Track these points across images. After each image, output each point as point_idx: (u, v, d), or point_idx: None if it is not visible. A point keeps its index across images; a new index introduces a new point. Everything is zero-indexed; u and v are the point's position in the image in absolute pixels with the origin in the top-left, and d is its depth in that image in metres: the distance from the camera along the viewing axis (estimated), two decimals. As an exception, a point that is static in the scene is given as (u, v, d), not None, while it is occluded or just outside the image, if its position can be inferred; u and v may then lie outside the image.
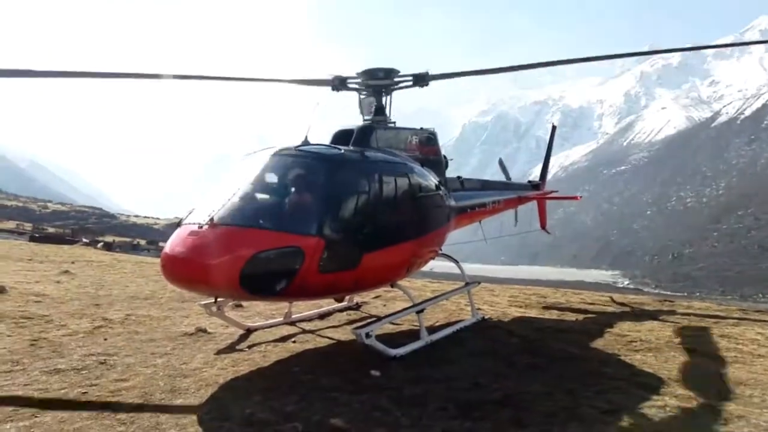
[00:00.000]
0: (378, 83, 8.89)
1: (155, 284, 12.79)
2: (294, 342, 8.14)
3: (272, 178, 6.92)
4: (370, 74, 8.88)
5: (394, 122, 9.22)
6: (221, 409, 5.41)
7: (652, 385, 6.43)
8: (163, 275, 6.32)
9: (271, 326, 8.96)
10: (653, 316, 10.95)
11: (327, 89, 9.09)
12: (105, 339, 7.87)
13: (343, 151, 7.44)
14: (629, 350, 7.99)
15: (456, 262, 9.65)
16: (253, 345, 7.86)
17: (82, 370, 6.44)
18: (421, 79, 8.86)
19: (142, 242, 57.73)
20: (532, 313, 10.90)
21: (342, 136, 8.43)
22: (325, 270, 6.41)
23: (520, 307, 11.67)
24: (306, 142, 7.59)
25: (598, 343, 8.40)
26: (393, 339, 7.96)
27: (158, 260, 7.37)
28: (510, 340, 8.45)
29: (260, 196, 6.73)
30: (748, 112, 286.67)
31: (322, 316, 9.82)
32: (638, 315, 11.06)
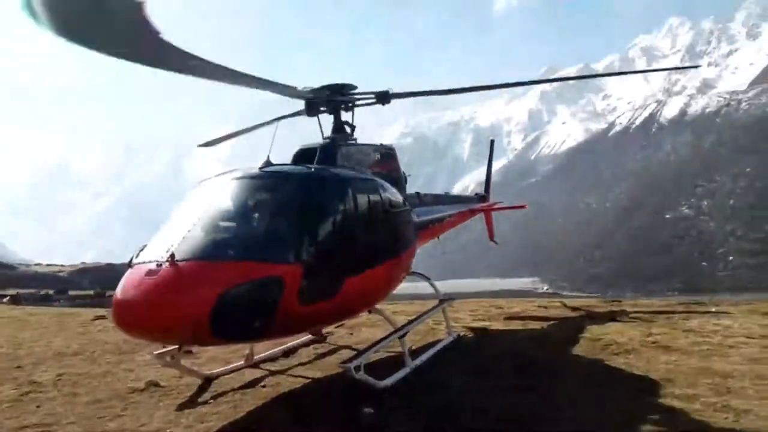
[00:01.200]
0: (336, 99, 8.39)
1: (82, 337, 11.34)
2: (264, 387, 7.35)
3: (238, 202, 6.21)
4: (329, 89, 8.36)
5: (355, 139, 8.78)
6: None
7: (650, 388, 6.35)
8: (117, 325, 5.44)
9: (232, 371, 8.09)
10: (611, 317, 11.14)
11: (297, 105, 8.50)
12: (38, 406, 6.85)
13: (313, 170, 6.88)
14: (610, 354, 8.00)
15: (428, 279, 9.28)
16: (218, 395, 7.05)
17: (19, 450, 5.40)
18: (383, 97, 8.49)
19: (51, 292, 52.89)
20: (499, 326, 10.73)
21: (304, 155, 7.85)
22: (305, 301, 5.75)
23: (483, 320, 11.49)
24: (269, 163, 6.96)
25: (578, 350, 8.35)
26: (372, 368, 7.43)
27: (76, 311, 6.36)
28: (494, 356, 8.15)
29: (226, 224, 5.99)
30: (638, 122, 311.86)
31: (286, 353, 9.05)
32: (596, 318, 11.20)
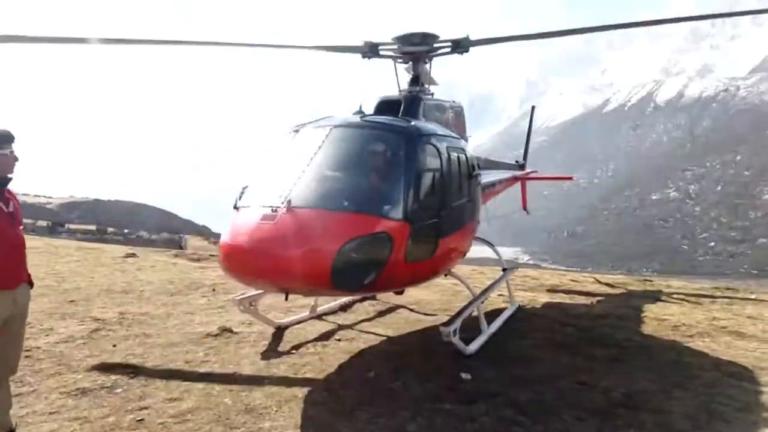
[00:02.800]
0: (414, 50, 7.96)
1: (123, 275, 11.10)
2: (340, 341, 7.25)
3: (347, 152, 5.99)
4: (405, 40, 7.89)
5: (432, 93, 8.44)
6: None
7: (743, 374, 6.28)
8: (230, 271, 5.24)
9: (299, 322, 8.03)
10: (656, 297, 11.09)
11: (357, 56, 8.13)
12: (114, 345, 6.57)
13: (417, 126, 6.61)
14: (683, 336, 7.89)
15: (492, 246, 9.14)
16: (298, 346, 6.97)
17: (114, 388, 5.25)
18: (460, 45, 8.03)
19: (50, 223, 52.04)
20: (545, 298, 10.64)
21: (388, 106, 7.50)
22: (409, 258, 5.64)
23: (526, 290, 11.37)
24: (361, 112, 6.77)
25: (648, 330, 8.26)
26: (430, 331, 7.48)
27: (97, 246, 6.08)
28: (564, 329, 8.08)
29: (337, 174, 5.76)
30: (633, 100, 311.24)
31: (343, 308, 8.98)
32: (642, 297, 11.16)
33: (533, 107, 17.65)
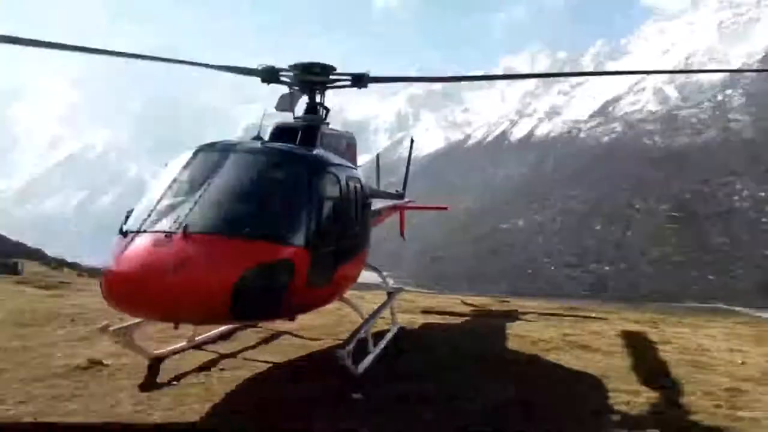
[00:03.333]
0: (314, 79, 8.20)
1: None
2: (224, 370, 7.10)
3: (246, 179, 5.97)
4: (305, 69, 8.11)
5: (328, 122, 8.70)
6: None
7: (596, 383, 7.23)
8: (117, 301, 4.97)
9: (177, 352, 7.68)
10: (515, 316, 12.27)
11: (256, 80, 8.17)
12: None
13: (317, 153, 6.81)
14: (541, 350, 8.87)
15: (379, 271, 9.49)
16: (179, 377, 6.68)
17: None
18: (359, 80, 8.39)
19: None
20: (422, 319, 11.27)
21: (286, 133, 7.58)
22: (310, 285, 5.79)
23: (403, 312, 11.93)
24: (260, 138, 6.89)
25: (513, 345, 9.14)
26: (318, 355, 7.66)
27: None
28: (441, 348, 8.65)
29: (236, 200, 5.72)
30: (491, 138, 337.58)
31: (223, 336, 8.75)
32: (503, 316, 12.26)
33: (412, 139, 18.68)
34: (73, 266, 16.78)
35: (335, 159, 7.29)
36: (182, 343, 7.97)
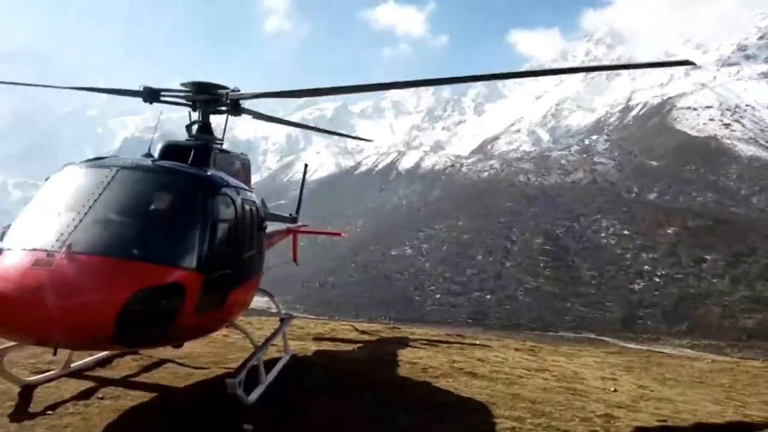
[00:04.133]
0: (202, 98, 8.09)
1: None
2: (103, 399, 6.68)
3: (135, 197, 5.72)
4: (195, 88, 7.99)
5: (222, 142, 8.58)
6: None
7: (483, 409, 7.61)
8: None
9: (51, 379, 7.12)
10: (405, 343, 12.65)
11: (139, 100, 7.94)
12: None
13: (212, 174, 6.70)
14: (431, 377, 9.18)
15: (271, 296, 9.39)
16: (54, 405, 6.22)
17: None
18: (234, 107, 8.35)
19: None
20: (314, 346, 11.26)
21: (176, 152, 7.35)
22: (200, 310, 5.67)
23: (295, 339, 11.86)
24: (150, 155, 6.71)
25: (404, 372, 9.39)
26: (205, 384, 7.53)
27: None
28: (334, 375, 8.69)
29: (124, 219, 5.46)
30: (381, 166, 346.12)
31: (101, 363, 8.20)
32: (390, 342, 12.61)
33: (306, 165, 18.83)
34: None
35: (229, 180, 7.20)
36: (57, 370, 7.36)
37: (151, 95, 7.79)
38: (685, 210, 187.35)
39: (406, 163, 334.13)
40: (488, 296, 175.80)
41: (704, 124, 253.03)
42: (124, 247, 5.07)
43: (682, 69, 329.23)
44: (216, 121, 8.44)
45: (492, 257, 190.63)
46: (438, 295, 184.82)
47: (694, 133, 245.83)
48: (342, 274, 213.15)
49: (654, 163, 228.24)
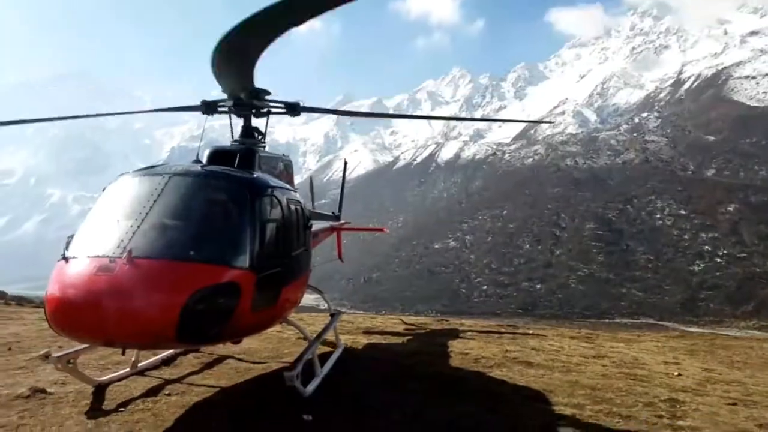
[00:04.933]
0: (249, 103, 8.36)
1: None
2: (170, 395, 7.01)
3: (188, 202, 5.99)
4: (239, 96, 8.32)
5: (265, 145, 8.86)
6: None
7: (541, 397, 7.54)
8: (61, 327, 4.92)
9: (120, 379, 7.52)
10: (455, 334, 12.64)
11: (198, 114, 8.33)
12: None
13: (259, 176, 6.94)
14: (484, 367, 9.14)
15: (321, 293, 9.62)
16: (125, 403, 6.57)
17: None
18: (293, 109, 8.65)
19: None
20: (364, 339, 11.44)
21: (222, 157, 7.67)
22: (255, 307, 5.89)
23: (345, 333, 12.05)
24: (199, 161, 7.00)
25: (455, 363, 9.42)
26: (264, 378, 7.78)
27: None
28: (386, 367, 8.82)
29: (179, 223, 5.72)
30: (419, 159, 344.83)
31: (166, 362, 8.59)
32: (444, 335, 12.61)
33: (345, 161, 18.97)
34: None
35: (276, 182, 7.42)
36: (125, 370, 7.78)
37: (209, 107, 8.13)
38: (746, 185, 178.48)
39: (445, 154, 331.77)
40: (538, 286, 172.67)
41: (764, 93, 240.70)
42: (182, 250, 5.31)
43: (738, 35, 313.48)
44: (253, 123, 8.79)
45: (540, 245, 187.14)
46: (485, 287, 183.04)
47: (753, 103, 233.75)
48: (386, 270, 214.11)
49: (710, 137, 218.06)
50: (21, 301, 16.69)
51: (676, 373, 9.41)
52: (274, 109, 8.47)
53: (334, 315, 9.78)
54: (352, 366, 8.97)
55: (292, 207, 7.29)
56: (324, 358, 8.73)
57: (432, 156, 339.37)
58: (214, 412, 6.42)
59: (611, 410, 7.03)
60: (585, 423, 6.57)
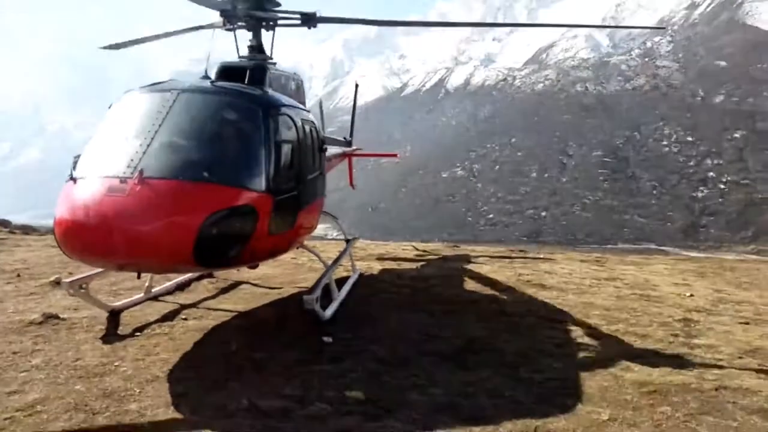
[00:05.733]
0: (261, 15, 7.74)
1: None
2: (186, 319, 6.98)
3: (201, 120, 5.67)
4: (249, 3, 7.67)
5: (276, 62, 8.35)
6: (206, 407, 4.45)
7: (556, 318, 7.58)
8: (73, 250, 4.76)
9: (135, 304, 7.49)
10: (467, 260, 12.60)
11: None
12: None
13: (272, 94, 6.57)
14: (498, 290, 9.22)
15: (335, 218, 9.45)
16: (141, 328, 6.55)
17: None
18: (309, 20, 8.03)
19: None
20: (377, 265, 11.41)
21: (232, 73, 7.21)
22: (272, 231, 5.72)
23: (358, 260, 12.01)
24: (208, 77, 6.59)
25: (469, 287, 9.44)
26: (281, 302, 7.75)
27: None
28: (401, 291, 8.80)
29: (191, 143, 5.43)
30: (428, 86, 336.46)
31: (180, 287, 8.57)
32: (456, 260, 12.58)
33: (357, 84, 18.24)
34: (4, 224, 15.72)
35: (290, 101, 7.08)
36: (139, 295, 7.75)
37: (229, 9, 7.52)
38: (754, 112, 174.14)
39: (454, 80, 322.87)
40: (543, 213, 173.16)
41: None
42: (197, 171, 5.09)
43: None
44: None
45: (547, 174, 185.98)
46: (491, 215, 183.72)
47: (767, 27, 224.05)
48: (393, 199, 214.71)
49: (722, 63, 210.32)
50: (27, 230, 16.70)
51: (688, 294, 9.47)
52: (287, 21, 7.88)
53: (349, 240, 9.66)
54: (368, 290, 8.96)
55: (307, 128, 6.98)
56: (340, 283, 8.70)
57: (441, 81, 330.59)
58: (233, 335, 6.39)
59: (627, 330, 7.11)
60: (601, 342, 6.61)
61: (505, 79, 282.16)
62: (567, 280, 10.26)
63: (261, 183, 5.45)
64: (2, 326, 6.21)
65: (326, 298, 7.37)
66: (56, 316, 6.58)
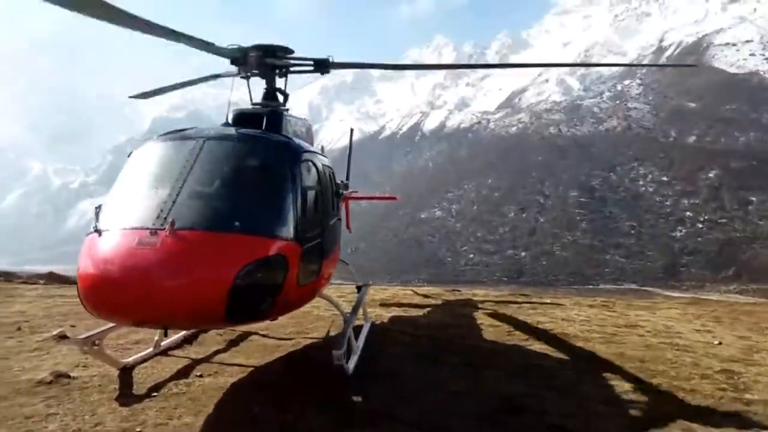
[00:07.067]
0: (275, 62, 7.71)
1: None
2: (202, 377, 6.60)
3: (227, 168, 5.48)
4: (266, 51, 7.62)
5: (288, 108, 8.26)
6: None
7: (592, 371, 7.19)
8: (98, 306, 4.44)
9: (145, 360, 7.09)
10: (473, 305, 12.35)
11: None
12: None
13: (295, 140, 6.45)
14: (521, 340, 8.80)
15: (346, 264, 9.22)
16: (156, 387, 6.14)
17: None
18: (321, 65, 8.00)
19: None
20: (384, 312, 11.10)
21: (248, 119, 7.09)
22: (301, 281, 5.49)
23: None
24: (229, 124, 6.46)
25: (488, 336, 9.09)
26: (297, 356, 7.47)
27: None
28: (418, 341, 8.47)
29: (219, 191, 5.22)
30: (405, 129, 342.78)
31: (187, 340, 8.16)
32: (462, 305, 12.32)
33: (351, 129, 18.26)
34: (-10, 272, 15.03)
35: (311, 147, 7.00)
36: (149, 350, 7.34)
37: (239, 56, 7.33)
38: (727, 151, 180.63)
39: (430, 123, 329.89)
40: (523, 253, 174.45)
41: (744, 59, 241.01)
42: (228, 221, 4.83)
43: (719, 2, 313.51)
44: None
45: (525, 214, 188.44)
46: (471, 255, 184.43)
47: (733, 70, 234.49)
48: (374, 239, 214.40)
49: (692, 104, 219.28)
50: (9, 276, 16.02)
51: (716, 342, 9.14)
52: (299, 68, 7.82)
53: (361, 287, 9.39)
54: (382, 341, 8.62)
55: (327, 173, 6.86)
56: (354, 333, 8.38)
57: (417, 125, 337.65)
58: (254, 394, 6.03)
59: (672, 384, 6.72)
60: (650, 398, 6.25)
61: (479, 123, 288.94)
62: (588, 328, 9.91)
63: (290, 232, 5.25)
64: (11, 387, 5.73)
65: (347, 350, 7.08)
66: (66, 375, 6.13)
